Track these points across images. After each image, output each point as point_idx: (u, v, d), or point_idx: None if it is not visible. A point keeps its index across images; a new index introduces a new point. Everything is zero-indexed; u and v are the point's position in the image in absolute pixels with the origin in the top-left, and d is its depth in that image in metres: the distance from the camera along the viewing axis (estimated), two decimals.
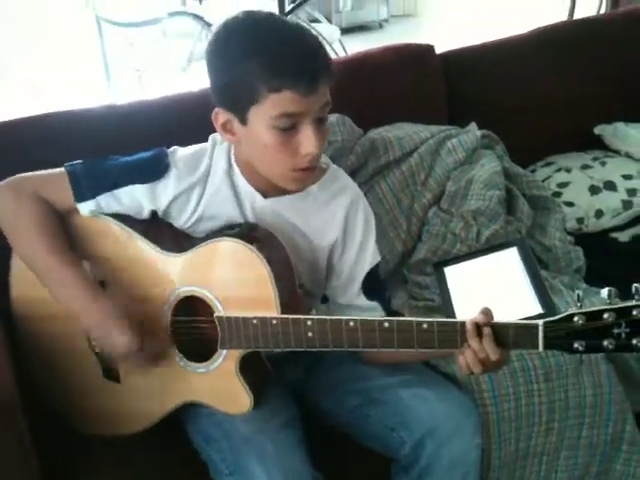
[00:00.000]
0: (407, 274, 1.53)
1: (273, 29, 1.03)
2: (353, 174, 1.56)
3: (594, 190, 1.80)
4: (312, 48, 1.03)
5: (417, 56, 1.83)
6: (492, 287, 1.33)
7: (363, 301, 1.20)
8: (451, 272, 1.44)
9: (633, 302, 0.88)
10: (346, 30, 5.52)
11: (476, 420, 1.16)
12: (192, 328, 1.13)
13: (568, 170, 1.87)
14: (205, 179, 1.14)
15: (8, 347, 1.14)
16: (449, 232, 1.52)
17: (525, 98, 1.95)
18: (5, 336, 1.16)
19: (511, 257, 1.40)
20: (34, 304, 1.18)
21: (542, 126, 1.96)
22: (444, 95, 1.84)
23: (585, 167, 1.86)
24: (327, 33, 3.69)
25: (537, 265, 1.36)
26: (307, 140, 1.02)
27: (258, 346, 1.07)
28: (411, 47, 1.84)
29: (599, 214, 1.76)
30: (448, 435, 1.12)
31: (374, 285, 1.21)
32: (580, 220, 1.76)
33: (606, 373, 1.29)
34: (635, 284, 0.88)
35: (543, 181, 1.84)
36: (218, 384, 1.11)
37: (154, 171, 1.12)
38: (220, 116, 1.07)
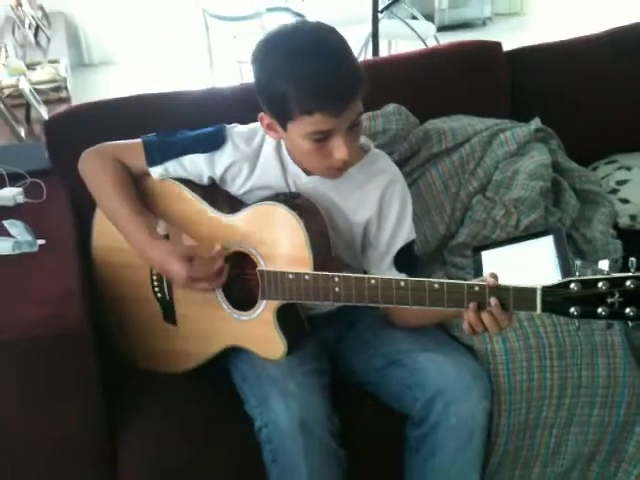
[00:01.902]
0: (447, 255, 1.62)
1: (311, 54, 1.12)
2: (406, 161, 1.68)
3: None
4: (345, 74, 1.13)
5: (483, 53, 1.91)
6: (522, 271, 1.41)
7: (393, 273, 1.32)
8: (487, 256, 1.52)
9: (628, 274, 0.94)
10: (449, 27, 5.57)
11: (485, 385, 1.25)
12: (238, 279, 1.30)
13: (629, 168, 1.89)
14: (257, 153, 1.31)
15: (87, 289, 1.34)
16: (490, 219, 1.60)
17: (593, 98, 1.98)
18: (86, 280, 1.38)
19: (546, 244, 1.46)
20: (111, 253, 1.39)
21: (609, 126, 1.99)
22: (508, 92, 1.90)
23: None
24: (421, 30, 3.78)
25: (568, 253, 1.42)
26: (339, 148, 1.17)
27: (292, 298, 1.22)
28: (478, 44, 1.92)
29: None
30: (457, 397, 1.22)
31: (408, 260, 1.33)
32: (633, 217, 1.78)
33: (623, 357, 1.34)
34: (632, 258, 0.94)
35: (603, 178, 1.88)
36: (258, 331, 1.27)
37: (213, 143, 1.30)
38: (265, 119, 1.23)
